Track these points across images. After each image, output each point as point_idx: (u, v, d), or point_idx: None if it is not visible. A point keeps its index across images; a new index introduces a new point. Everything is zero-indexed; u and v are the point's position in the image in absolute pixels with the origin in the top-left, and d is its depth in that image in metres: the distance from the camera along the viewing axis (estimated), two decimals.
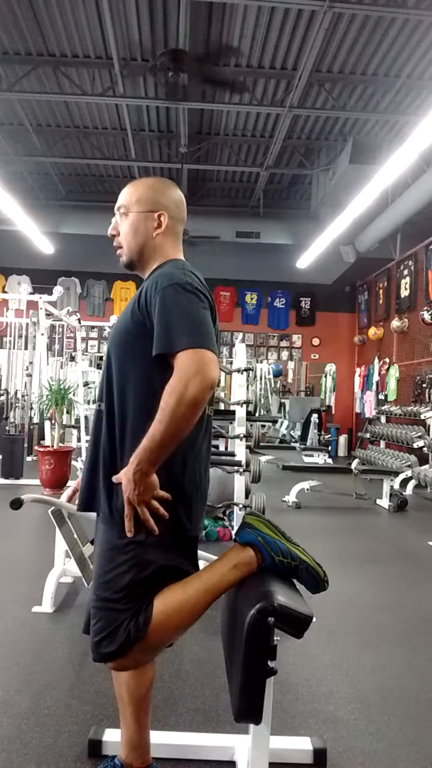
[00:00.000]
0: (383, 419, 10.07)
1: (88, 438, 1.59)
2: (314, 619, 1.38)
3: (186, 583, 1.47)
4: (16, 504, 2.65)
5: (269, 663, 1.35)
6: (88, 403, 8.43)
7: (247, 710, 1.40)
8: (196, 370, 1.32)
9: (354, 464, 7.74)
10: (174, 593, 1.45)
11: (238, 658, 1.39)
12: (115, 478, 1.45)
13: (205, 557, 3.27)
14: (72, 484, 1.77)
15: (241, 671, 1.37)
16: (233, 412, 3.92)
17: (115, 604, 1.44)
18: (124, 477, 1.40)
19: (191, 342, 1.35)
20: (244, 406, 3.90)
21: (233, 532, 4.14)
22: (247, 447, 3.88)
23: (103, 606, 1.46)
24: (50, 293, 7.74)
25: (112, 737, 1.86)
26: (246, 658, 1.35)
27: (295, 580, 1.52)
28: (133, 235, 1.59)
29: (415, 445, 7.93)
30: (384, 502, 6.33)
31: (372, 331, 11.29)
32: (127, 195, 1.62)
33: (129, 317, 1.51)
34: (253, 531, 1.51)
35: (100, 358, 11.89)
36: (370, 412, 11.11)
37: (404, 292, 9.88)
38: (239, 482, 3.75)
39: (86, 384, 9.50)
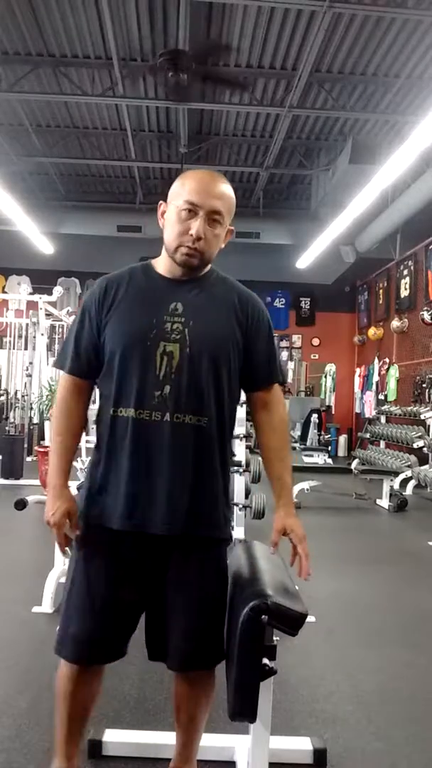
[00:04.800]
0: (383, 419, 10.07)
1: (127, 447, 1.44)
2: (313, 619, 1.39)
3: None
4: (21, 505, 2.66)
5: (270, 663, 1.35)
6: None
7: (241, 709, 1.40)
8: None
9: (354, 464, 7.75)
10: None
11: (233, 657, 1.39)
12: (280, 535, 1.51)
13: None
14: (72, 484, 1.64)
15: (235, 670, 1.37)
16: None
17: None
18: (296, 523, 1.50)
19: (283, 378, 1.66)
20: (244, 406, 3.90)
21: (233, 533, 4.14)
22: (247, 447, 3.89)
23: (216, 624, 1.51)
24: (50, 293, 7.74)
25: (112, 737, 1.87)
26: (240, 657, 1.35)
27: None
28: (216, 245, 1.50)
29: (414, 445, 7.93)
30: (384, 502, 6.33)
31: (372, 331, 11.29)
32: (224, 203, 1.47)
33: (234, 326, 1.51)
34: None
35: None
36: (370, 412, 11.10)
37: (404, 292, 9.88)
38: (239, 482, 3.76)
39: None
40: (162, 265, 1.53)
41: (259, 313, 1.56)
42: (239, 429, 3.87)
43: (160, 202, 1.53)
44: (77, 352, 1.50)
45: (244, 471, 3.78)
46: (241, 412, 3.88)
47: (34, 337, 8.57)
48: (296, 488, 6.19)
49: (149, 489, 1.42)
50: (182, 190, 1.45)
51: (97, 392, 1.58)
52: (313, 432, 10.41)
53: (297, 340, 12.66)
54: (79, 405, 1.54)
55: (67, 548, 1.51)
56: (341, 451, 11.76)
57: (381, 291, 11.13)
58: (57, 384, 1.52)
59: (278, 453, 1.56)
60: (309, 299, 12.53)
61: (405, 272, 9.81)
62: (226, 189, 1.48)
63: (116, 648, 1.51)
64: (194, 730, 1.62)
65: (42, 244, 9.62)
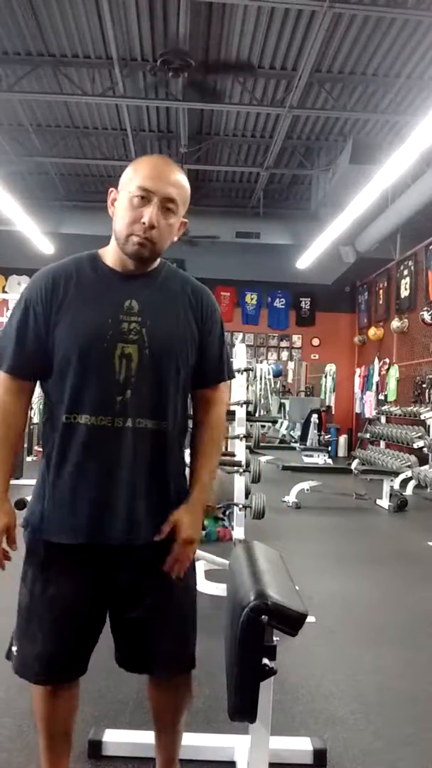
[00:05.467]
0: (383, 419, 10.07)
1: (83, 456, 1.35)
2: (313, 619, 1.39)
3: None
4: (21, 505, 2.65)
5: (270, 663, 1.35)
6: None
7: (241, 709, 1.40)
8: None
9: (354, 464, 7.75)
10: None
11: (233, 657, 1.39)
12: (170, 527, 1.39)
13: (205, 557, 3.28)
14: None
15: (235, 669, 1.37)
16: (233, 413, 3.92)
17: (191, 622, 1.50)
18: (186, 521, 1.40)
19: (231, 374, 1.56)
20: (244, 406, 3.90)
21: (233, 533, 4.14)
22: (247, 447, 3.88)
23: (191, 624, 1.50)
24: None
25: (112, 737, 1.87)
26: (240, 656, 1.35)
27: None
28: (169, 236, 1.40)
29: (415, 446, 7.93)
30: (384, 503, 6.33)
31: (372, 332, 11.29)
32: (179, 191, 1.38)
33: (191, 324, 1.44)
34: None
35: None
36: (370, 412, 11.10)
37: (404, 293, 9.88)
38: (239, 482, 3.75)
39: None
40: (111, 256, 1.44)
41: (212, 307, 1.50)
42: (239, 429, 3.86)
43: (111, 189, 1.43)
44: (20, 350, 1.37)
45: (244, 471, 3.77)
46: (241, 411, 3.87)
47: None
48: (296, 488, 6.19)
49: (108, 499, 1.34)
50: (135, 176, 1.36)
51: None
52: (313, 432, 10.41)
53: (297, 340, 12.66)
54: (19, 408, 1.41)
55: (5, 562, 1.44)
56: (341, 452, 11.76)
57: (381, 291, 11.13)
58: None
59: (205, 448, 1.48)
60: (309, 299, 12.53)
61: (405, 272, 9.81)
62: (181, 177, 1.40)
63: (83, 663, 1.46)
64: (177, 730, 1.59)
65: (42, 244, 9.62)
